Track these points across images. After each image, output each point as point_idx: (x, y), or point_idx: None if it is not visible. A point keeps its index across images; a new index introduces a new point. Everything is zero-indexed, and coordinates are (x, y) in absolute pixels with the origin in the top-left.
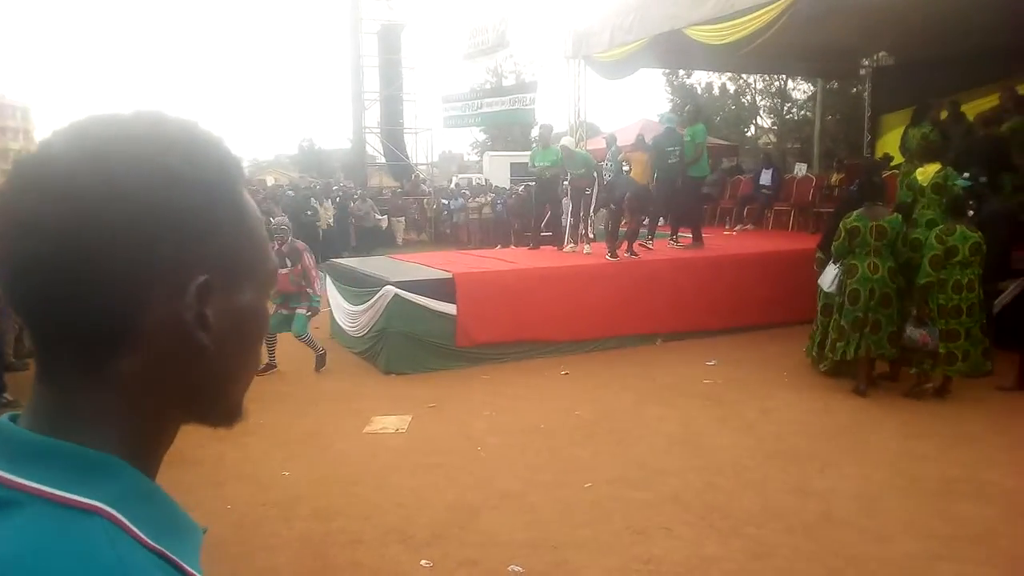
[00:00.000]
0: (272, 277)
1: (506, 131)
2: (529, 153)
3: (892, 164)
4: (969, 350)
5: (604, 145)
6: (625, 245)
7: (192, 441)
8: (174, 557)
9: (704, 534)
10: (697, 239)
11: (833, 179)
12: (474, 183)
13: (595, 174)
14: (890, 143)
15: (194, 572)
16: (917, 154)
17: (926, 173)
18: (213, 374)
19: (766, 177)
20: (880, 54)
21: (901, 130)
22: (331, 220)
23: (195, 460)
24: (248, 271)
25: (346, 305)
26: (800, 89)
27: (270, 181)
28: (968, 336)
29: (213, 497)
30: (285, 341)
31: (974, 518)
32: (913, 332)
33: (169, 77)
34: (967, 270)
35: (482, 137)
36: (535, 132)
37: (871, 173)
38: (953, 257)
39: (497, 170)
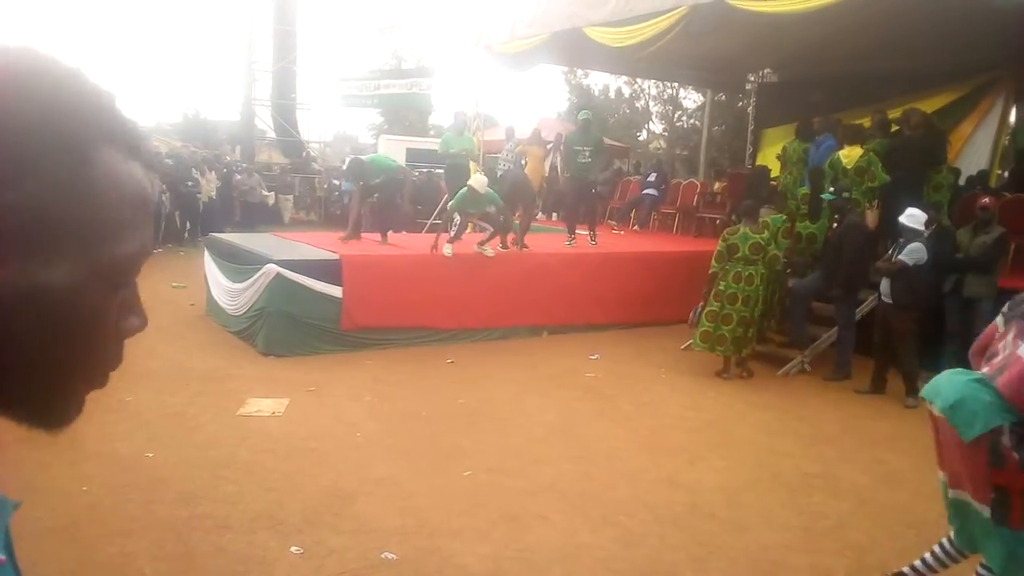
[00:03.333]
0: (122, 265)
1: (403, 115)
2: (440, 139)
3: (771, 176)
4: (726, 335)
5: (503, 137)
6: (514, 237)
7: None
8: None
9: (577, 522)
10: (592, 237)
11: (716, 187)
12: None
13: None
14: (769, 156)
15: None
16: (847, 135)
17: (850, 156)
18: (13, 359)
19: (652, 180)
20: (765, 71)
21: (781, 144)
22: (213, 193)
23: (46, 439)
24: (71, 245)
25: (225, 282)
26: (691, 99)
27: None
28: (737, 322)
29: (67, 477)
30: (156, 314)
31: (827, 512)
32: (692, 314)
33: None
34: (749, 266)
35: (379, 120)
36: (432, 118)
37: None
38: (735, 253)
39: (392, 154)
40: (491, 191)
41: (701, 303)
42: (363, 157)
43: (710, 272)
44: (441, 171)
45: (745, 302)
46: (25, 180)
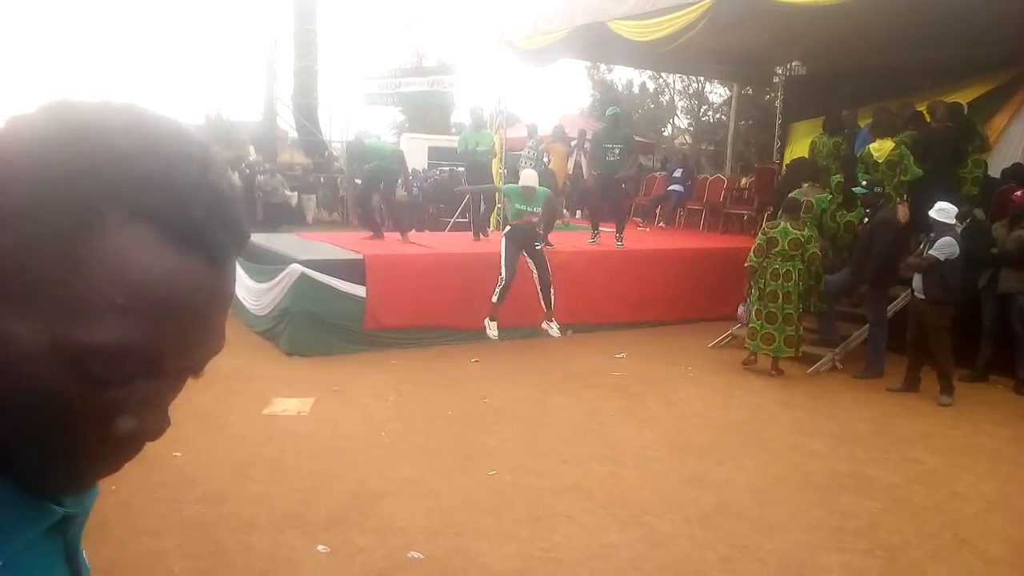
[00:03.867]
0: (97, 354)
1: (425, 113)
2: (459, 137)
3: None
4: (775, 334)
5: (525, 134)
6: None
7: None
8: None
9: (604, 522)
10: (619, 236)
11: (743, 182)
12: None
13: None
14: (798, 151)
15: None
16: (875, 129)
17: (881, 149)
18: None
19: (678, 176)
20: (793, 63)
21: (809, 139)
22: None
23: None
24: (35, 307)
25: (249, 282)
26: (717, 93)
27: None
28: (783, 320)
29: None
30: None
31: (858, 511)
32: (741, 309)
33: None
34: (787, 262)
35: (400, 118)
36: (455, 116)
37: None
38: (773, 248)
39: (415, 152)
40: (543, 188)
41: (746, 301)
42: (364, 139)
43: (747, 266)
44: (463, 169)
45: (787, 299)
46: (16, 224)
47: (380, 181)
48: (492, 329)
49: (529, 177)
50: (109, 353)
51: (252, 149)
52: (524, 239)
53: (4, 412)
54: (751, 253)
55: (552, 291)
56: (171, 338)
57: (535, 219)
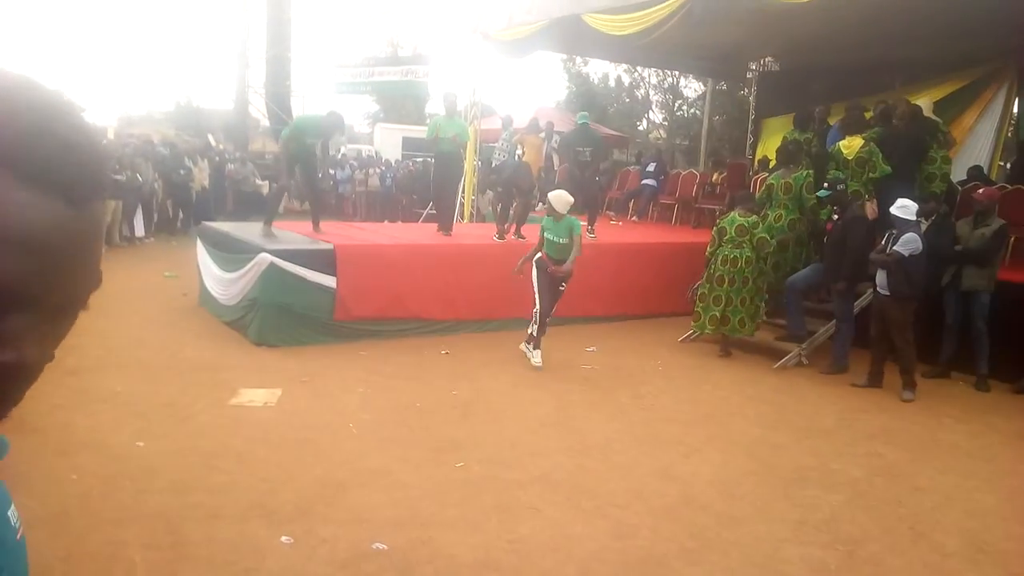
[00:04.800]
0: None
1: (399, 104)
2: (429, 124)
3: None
4: (730, 315)
5: (499, 126)
6: (513, 227)
7: (36, 408)
8: None
9: (570, 514)
10: (591, 228)
11: (715, 177)
12: (364, 154)
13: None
14: (770, 146)
15: None
16: (846, 127)
17: (851, 146)
18: None
19: (652, 171)
20: (767, 59)
21: (781, 135)
22: (206, 182)
23: (38, 428)
24: None
25: (217, 271)
26: (691, 88)
27: (156, 139)
28: (729, 303)
29: (56, 467)
30: (149, 303)
31: (820, 504)
32: (689, 291)
33: (35, 18)
34: (735, 248)
35: (374, 108)
36: (429, 107)
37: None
38: (723, 236)
39: (388, 143)
40: (573, 218)
41: (698, 282)
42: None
43: (706, 255)
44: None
45: (731, 283)
46: None
47: (296, 160)
48: (536, 357)
49: (557, 198)
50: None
51: (222, 137)
52: (554, 277)
53: None
54: (708, 244)
55: (542, 318)
56: (35, 274)
57: (562, 272)
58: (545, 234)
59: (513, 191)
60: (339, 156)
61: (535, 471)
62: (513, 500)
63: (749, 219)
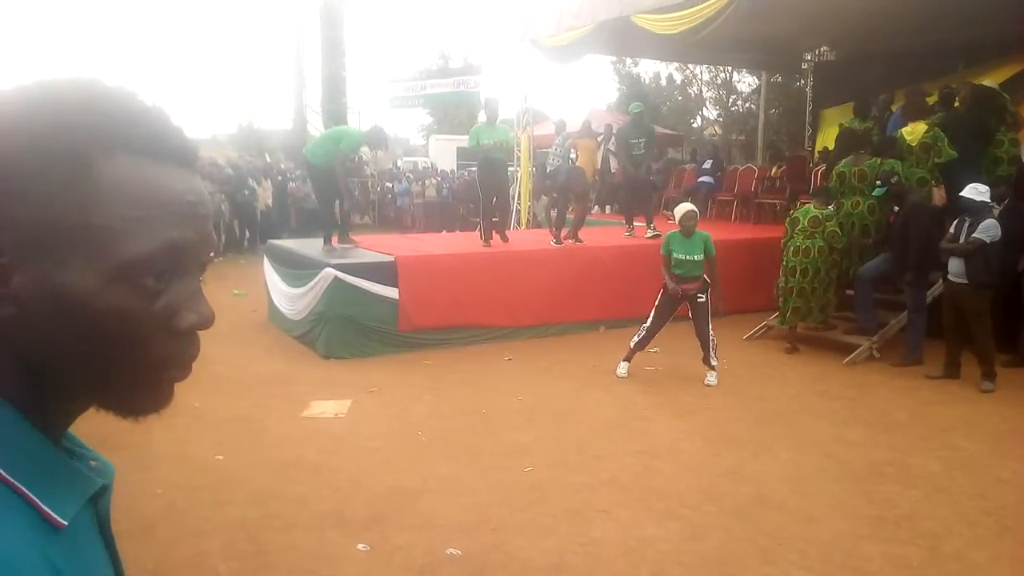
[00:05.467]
0: (142, 264)
1: (452, 114)
2: (470, 131)
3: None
4: (801, 306)
5: (552, 131)
6: (567, 231)
7: (118, 426)
8: (23, 488)
9: (641, 516)
10: (651, 226)
11: (774, 171)
12: (419, 166)
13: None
14: (829, 137)
15: (47, 509)
16: (908, 113)
17: (915, 132)
18: (50, 353)
19: (708, 168)
20: (822, 48)
21: (840, 124)
22: (269, 201)
23: (120, 444)
24: (79, 248)
25: (284, 287)
26: (745, 82)
27: (221, 161)
28: (802, 294)
29: (141, 481)
30: (220, 320)
31: (898, 500)
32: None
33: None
34: (808, 239)
35: (428, 120)
36: (481, 116)
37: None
38: (796, 227)
39: (443, 154)
40: (704, 233)
41: (779, 278)
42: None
43: (781, 245)
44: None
45: (803, 274)
46: (28, 193)
47: (329, 190)
48: (622, 368)
49: (683, 213)
50: (149, 259)
51: (283, 156)
52: (677, 297)
53: (89, 355)
54: (782, 237)
55: (712, 342)
56: (184, 235)
57: (692, 288)
58: (674, 254)
59: (569, 195)
60: (395, 168)
61: (603, 474)
62: (583, 503)
63: (824, 211)
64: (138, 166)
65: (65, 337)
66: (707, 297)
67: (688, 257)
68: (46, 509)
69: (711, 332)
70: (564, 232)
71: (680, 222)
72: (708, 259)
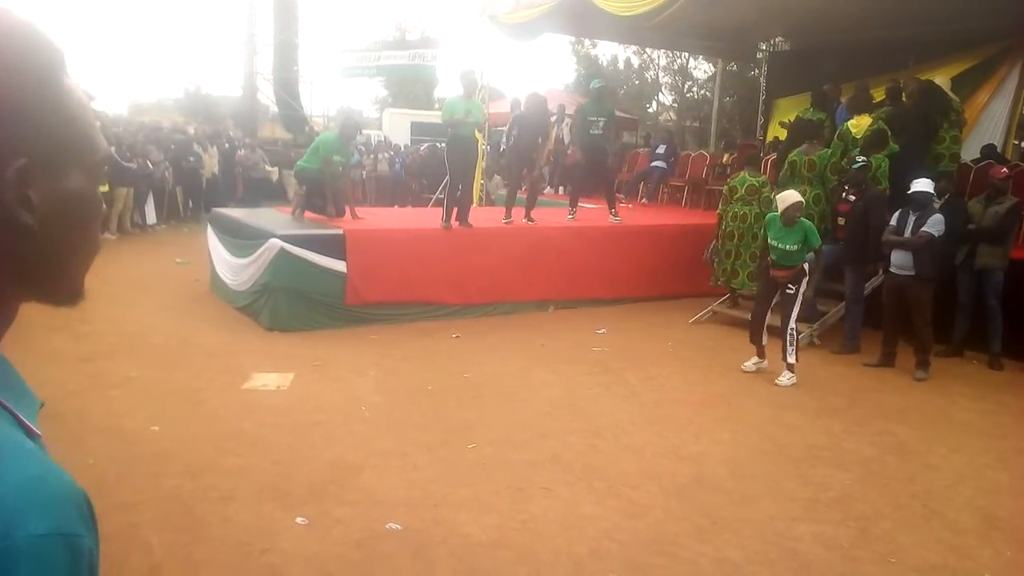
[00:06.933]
0: (101, 164)
1: (408, 88)
2: (445, 104)
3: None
4: (739, 269)
5: (508, 109)
6: (523, 211)
7: (51, 394)
8: (8, 405)
9: (582, 494)
10: (613, 211)
11: (726, 158)
12: (372, 140)
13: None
14: (781, 127)
15: (29, 424)
16: (853, 106)
17: (859, 125)
18: (45, 254)
19: (662, 153)
20: (777, 39)
21: (793, 115)
22: (216, 169)
23: (54, 414)
24: (73, 156)
25: (228, 257)
26: (701, 69)
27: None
28: (738, 257)
29: (73, 451)
30: (161, 290)
31: (832, 483)
32: (706, 252)
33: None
34: (745, 205)
35: (383, 93)
36: (438, 91)
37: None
38: (734, 195)
39: (397, 128)
40: (807, 222)
41: (713, 242)
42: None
43: (717, 212)
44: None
45: (740, 238)
46: (39, 114)
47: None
48: (749, 363)
49: (785, 201)
50: (106, 156)
51: (231, 124)
52: (777, 285)
53: (78, 246)
54: (719, 203)
55: (791, 336)
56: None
57: (782, 275)
58: (771, 240)
59: (523, 172)
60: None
61: (546, 452)
62: (525, 481)
63: (759, 179)
64: (73, 83)
65: (68, 234)
66: (798, 289)
67: (782, 245)
68: (23, 419)
69: (793, 326)
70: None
71: (784, 212)
72: (813, 249)
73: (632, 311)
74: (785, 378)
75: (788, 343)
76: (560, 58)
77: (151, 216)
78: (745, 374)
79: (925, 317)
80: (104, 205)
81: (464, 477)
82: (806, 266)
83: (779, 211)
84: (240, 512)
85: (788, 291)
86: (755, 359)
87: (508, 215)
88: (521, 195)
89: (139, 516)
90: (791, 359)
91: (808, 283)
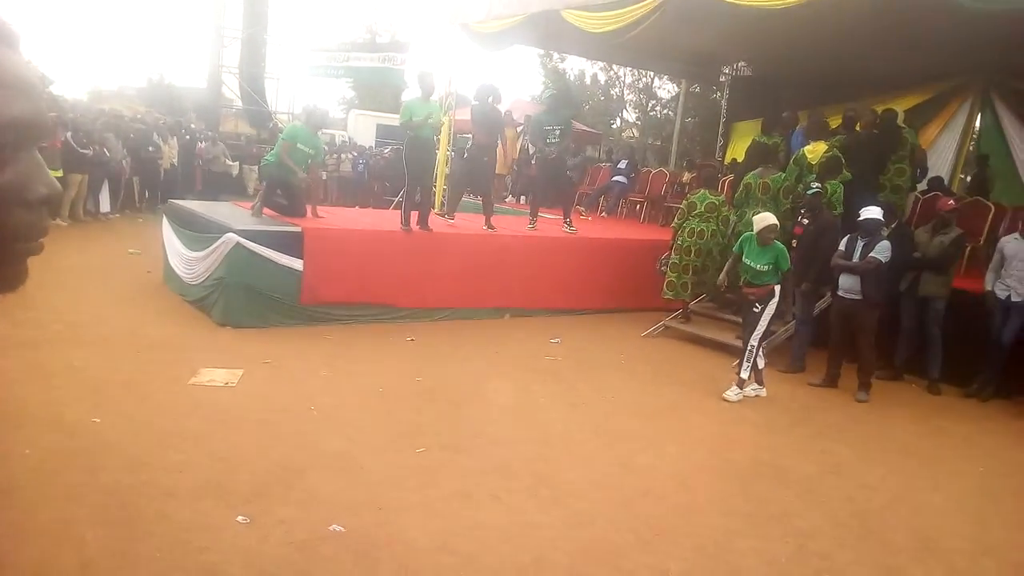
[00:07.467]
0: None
1: (375, 91)
2: (403, 106)
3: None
4: (697, 283)
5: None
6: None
7: None
8: None
9: (528, 502)
10: (567, 221)
11: (685, 177)
12: (337, 140)
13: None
14: (739, 149)
15: None
16: (810, 133)
17: (815, 152)
18: None
19: (623, 168)
20: (740, 64)
21: (750, 138)
22: (175, 160)
23: None
24: None
25: (183, 250)
26: (665, 89)
27: (127, 114)
28: (695, 272)
29: (10, 440)
30: (111, 280)
31: (774, 499)
32: (659, 263)
33: None
34: (703, 222)
35: (350, 94)
36: (406, 95)
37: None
38: (692, 211)
39: (362, 129)
40: (782, 247)
41: (666, 254)
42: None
43: (672, 227)
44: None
45: (698, 253)
46: None
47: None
48: (738, 390)
49: (762, 222)
50: (8, 124)
51: (194, 116)
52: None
53: None
54: (676, 217)
55: (749, 353)
56: (23, 110)
57: (752, 293)
58: (745, 259)
59: (475, 183)
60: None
61: (495, 459)
62: (473, 487)
63: (719, 198)
64: None
65: None
66: (763, 309)
67: (755, 265)
68: None
69: (755, 344)
70: (454, 216)
71: (759, 232)
72: (781, 272)
73: (587, 322)
74: (733, 393)
75: (745, 359)
76: (528, 69)
77: (105, 204)
78: (692, 387)
79: (869, 340)
80: (1, 187)
81: (411, 481)
82: (776, 288)
83: (755, 231)
84: (180, 509)
85: (755, 310)
86: (753, 386)
87: (450, 214)
88: (475, 200)
89: (75, 509)
90: (744, 374)
91: (775, 304)
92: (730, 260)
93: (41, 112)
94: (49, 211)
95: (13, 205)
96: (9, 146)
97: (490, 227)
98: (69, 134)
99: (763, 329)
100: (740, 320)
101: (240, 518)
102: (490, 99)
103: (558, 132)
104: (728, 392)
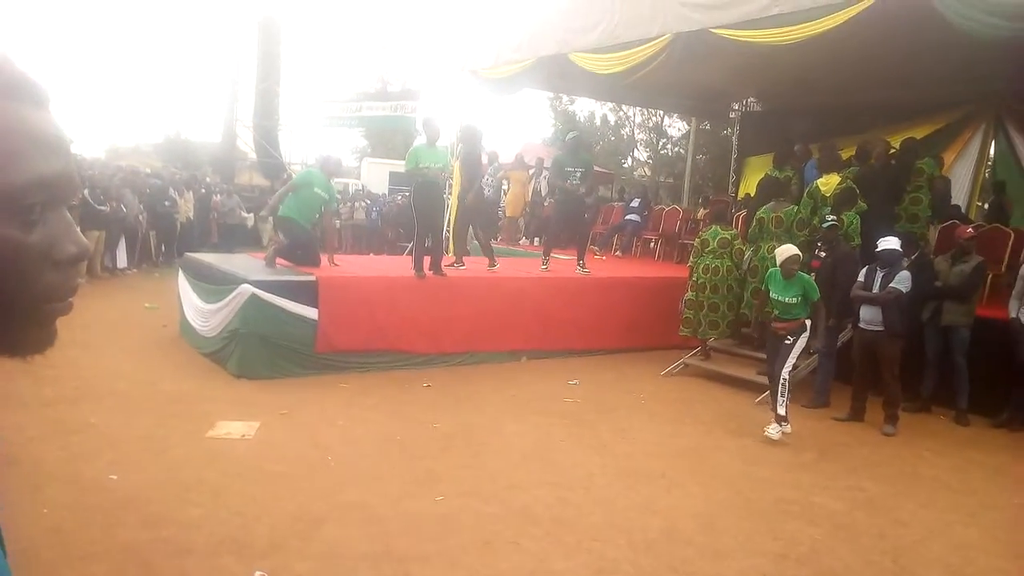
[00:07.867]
0: (19, 193)
1: (388, 139)
2: (409, 152)
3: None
4: (714, 320)
5: (486, 161)
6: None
7: (9, 439)
8: None
9: (550, 548)
10: (581, 263)
11: (699, 213)
12: (350, 189)
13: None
14: (751, 184)
15: None
16: (823, 165)
17: (829, 184)
18: None
19: (636, 206)
20: (749, 100)
21: (763, 172)
22: (191, 213)
23: (12, 460)
24: None
25: (199, 303)
26: (676, 127)
27: (146, 170)
28: (711, 309)
29: (29, 500)
30: (128, 335)
31: (802, 538)
32: (681, 304)
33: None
34: (717, 259)
35: (363, 143)
36: (418, 142)
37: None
38: (706, 247)
39: (375, 177)
40: (806, 276)
41: (686, 293)
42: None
43: (688, 266)
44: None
45: (714, 290)
46: None
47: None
48: (773, 429)
49: (784, 255)
50: (25, 190)
51: (209, 170)
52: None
53: None
54: (691, 255)
55: (782, 387)
56: (53, 169)
57: (782, 327)
58: (772, 294)
59: (474, 222)
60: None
61: (515, 505)
62: (493, 534)
63: (731, 232)
64: (13, 110)
65: None
66: (794, 341)
67: (781, 298)
68: None
69: (787, 378)
70: (451, 259)
71: (782, 264)
72: (812, 303)
73: (604, 362)
74: (773, 430)
75: (780, 393)
76: (538, 112)
77: (122, 260)
78: (714, 426)
79: (893, 372)
80: (31, 247)
81: (430, 530)
82: (807, 321)
83: (778, 263)
84: (197, 565)
85: (786, 342)
86: (777, 425)
87: (460, 260)
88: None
89: (93, 568)
90: (781, 410)
91: (807, 337)
92: (759, 298)
93: (71, 170)
94: (79, 270)
95: (43, 265)
96: (39, 205)
97: (492, 266)
98: (87, 191)
99: (794, 361)
100: (761, 356)
101: (258, 573)
102: (470, 141)
103: (579, 174)
104: (769, 429)
